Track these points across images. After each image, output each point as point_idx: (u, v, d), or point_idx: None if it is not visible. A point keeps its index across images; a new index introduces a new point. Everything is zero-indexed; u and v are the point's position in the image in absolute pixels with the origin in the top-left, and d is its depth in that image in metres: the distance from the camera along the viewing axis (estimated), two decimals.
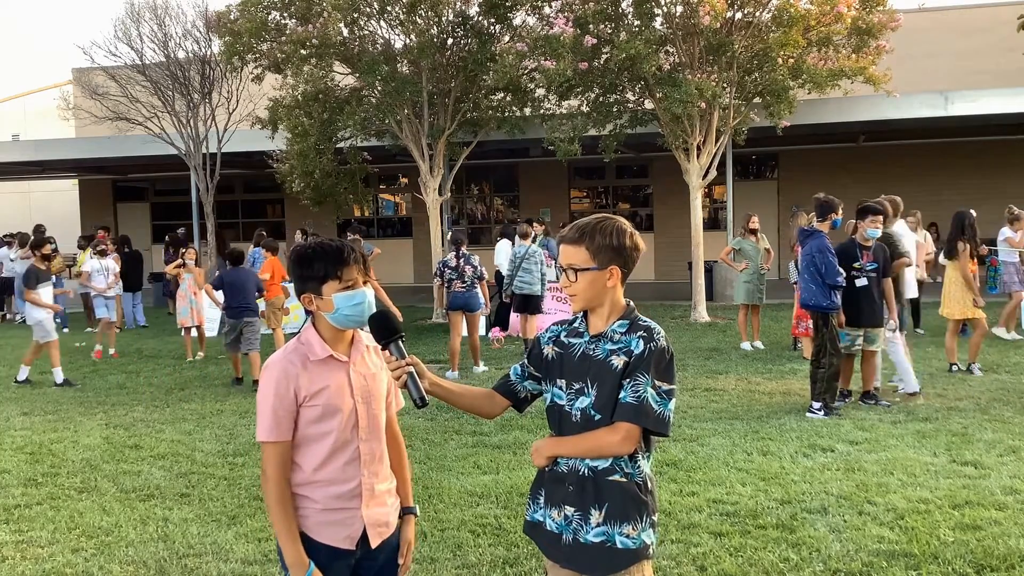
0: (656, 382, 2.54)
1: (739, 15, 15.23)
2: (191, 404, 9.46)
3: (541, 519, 2.72)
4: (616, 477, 2.59)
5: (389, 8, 15.81)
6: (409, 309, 18.20)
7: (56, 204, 31.31)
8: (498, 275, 14.96)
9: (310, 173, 17.33)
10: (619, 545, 2.58)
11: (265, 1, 16.09)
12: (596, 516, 2.59)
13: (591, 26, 14.54)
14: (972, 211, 10.12)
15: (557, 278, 13.31)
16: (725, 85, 15.30)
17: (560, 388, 2.68)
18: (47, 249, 11.27)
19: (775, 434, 7.34)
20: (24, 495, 6.29)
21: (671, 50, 15.56)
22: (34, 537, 5.42)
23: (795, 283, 10.12)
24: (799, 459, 6.60)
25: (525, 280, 11.83)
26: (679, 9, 15.04)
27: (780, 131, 16.22)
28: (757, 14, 15.05)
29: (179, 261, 13.58)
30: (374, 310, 2.72)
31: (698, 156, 15.75)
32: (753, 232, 12.30)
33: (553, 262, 14.40)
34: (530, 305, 11.96)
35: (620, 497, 2.58)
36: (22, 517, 5.82)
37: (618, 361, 2.57)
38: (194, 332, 13.13)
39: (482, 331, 12.54)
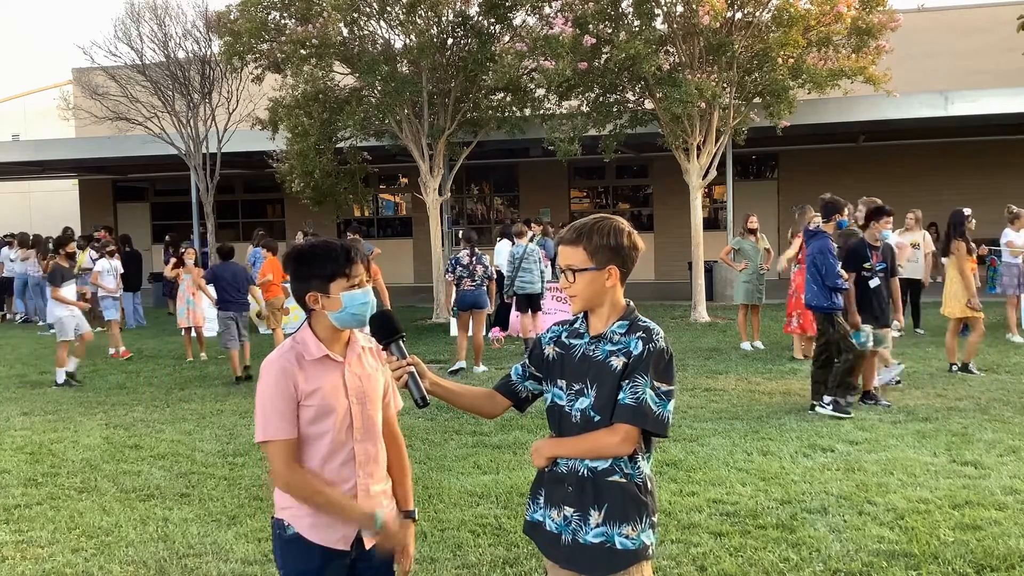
0: (655, 383, 2.54)
1: (739, 15, 15.22)
2: (191, 404, 9.46)
3: (541, 519, 2.72)
4: (615, 478, 2.59)
5: (389, 8, 15.81)
6: (409, 309, 18.21)
7: (56, 204, 31.30)
8: (499, 275, 14.96)
9: (310, 173, 17.34)
10: (618, 546, 2.58)
11: (265, 1, 16.08)
12: (595, 517, 2.59)
13: (591, 26, 14.54)
14: (965, 210, 10.11)
15: (555, 278, 13.43)
16: (725, 85, 15.30)
17: (560, 389, 2.68)
18: (71, 247, 11.36)
19: (775, 434, 7.34)
20: (24, 495, 6.29)
21: (671, 50, 15.56)
22: (34, 537, 5.42)
23: (780, 275, 10.47)
24: (799, 459, 6.60)
25: (526, 280, 12.01)
26: (679, 9, 15.03)
27: (780, 131, 16.22)
28: (757, 14, 15.05)
29: (174, 261, 13.61)
30: (375, 310, 2.73)
31: (698, 156, 15.75)
32: (752, 232, 12.29)
33: (550, 262, 14.43)
34: (533, 303, 12.19)
35: (619, 498, 2.58)
36: (22, 517, 5.82)
37: (617, 362, 2.57)
38: (193, 333, 13.11)
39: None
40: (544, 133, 16.25)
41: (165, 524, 5.57)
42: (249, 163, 22.33)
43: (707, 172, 15.93)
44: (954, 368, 9.88)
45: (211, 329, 14.37)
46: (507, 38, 16.39)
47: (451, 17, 16.24)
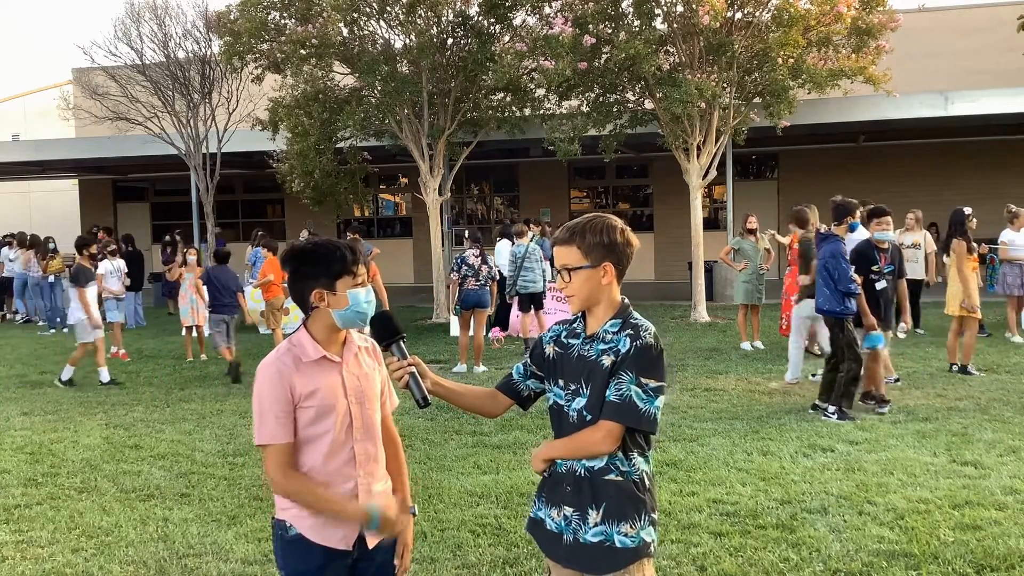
0: (641, 379, 2.54)
1: (739, 15, 15.22)
2: (191, 404, 9.46)
3: (542, 518, 2.74)
4: (612, 476, 2.60)
5: (389, 8, 15.81)
6: (409, 309, 18.21)
7: (56, 204, 31.30)
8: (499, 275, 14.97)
9: (310, 173, 17.34)
10: (618, 544, 2.58)
11: (265, 1, 16.08)
12: (594, 516, 2.60)
13: (591, 26, 14.53)
14: (966, 209, 10.11)
15: (553, 278, 13.45)
16: (725, 85, 15.30)
17: (560, 389, 2.70)
18: (94, 248, 11.39)
19: (775, 434, 7.34)
20: (24, 495, 6.29)
21: (671, 50, 15.56)
22: (34, 537, 5.42)
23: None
24: (799, 459, 6.60)
25: (528, 279, 12.14)
26: (679, 9, 15.03)
27: (780, 131, 16.22)
28: (757, 14, 15.05)
29: (179, 260, 13.60)
30: (378, 311, 2.74)
31: (698, 156, 15.74)
32: (752, 232, 12.29)
33: (548, 262, 14.45)
34: (535, 302, 12.36)
35: (617, 496, 2.59)
36: (22, 517, 5.82)
37: (607, 361, 2.58)
38: (194, 333, 13.10)
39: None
40: (544, 133, 16.24)
41: (165, 524, 5.57)
42: (249, 163, 22.33)
43: (707, 172, 15.93)
44: (954, 368, 9.89)
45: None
46: (507, 38, 16.39)
47: (451, 17, 16.24)
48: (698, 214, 16.26)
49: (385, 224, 27.26)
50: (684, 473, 6.30)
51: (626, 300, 2.70)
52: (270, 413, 2.66)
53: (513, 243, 15.36)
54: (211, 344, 11.65)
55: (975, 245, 10.23)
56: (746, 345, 12.14)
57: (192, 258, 13.31)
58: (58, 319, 16.98)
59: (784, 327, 11.36)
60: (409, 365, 2.67)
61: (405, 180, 25.44)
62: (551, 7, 15.33)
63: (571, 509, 2.63)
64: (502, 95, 16.97)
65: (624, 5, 15.24)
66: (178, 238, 20.39)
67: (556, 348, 2.75)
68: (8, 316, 19.33)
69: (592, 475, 2.60)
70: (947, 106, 17.55)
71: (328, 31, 15.17)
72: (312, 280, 2.72)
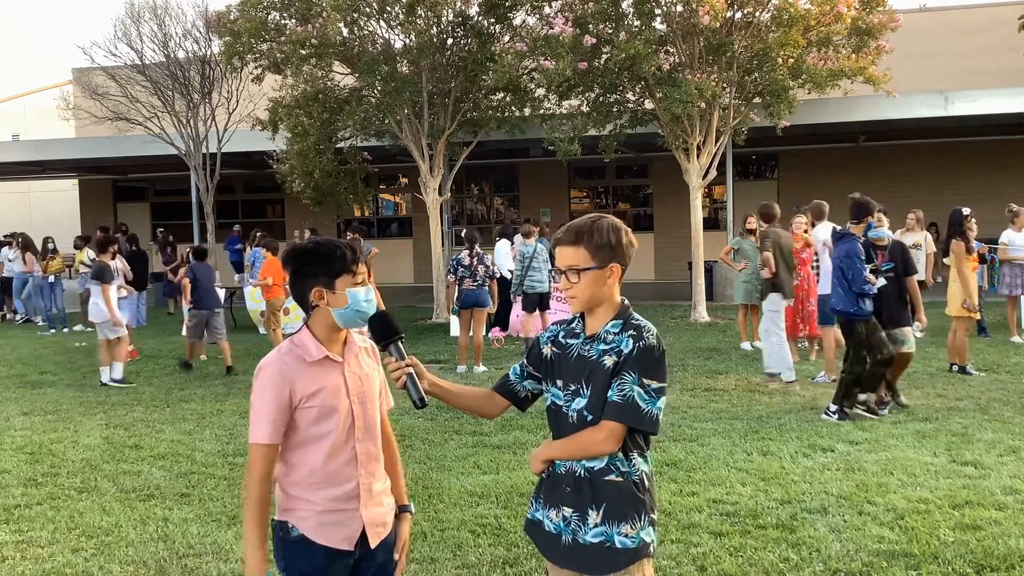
0: (644, 380, 2.54)
1: (739, 15, 15.22)
2: (191, 404, 9.46)
3: (540, 519, 2.73)
4: (612, 477, 2.59)
5: (389, 8, 15.81)
6: (409, 309, 18.22)
7: (56, 204, 31.34)
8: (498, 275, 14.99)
9: (310, 173, 17.34)
10: (618, 544, 2.58)
11: (265, 1, 16.09)
12: (594, 516, 2.59)
13: (591, 26, 14.54)
14: (964, 209, 10.10)
15: (555, 278, 13.48)
16: (725, 85, 15.30)
17: (558, 389, 2.69)
18: (113, 250, 11.44)
19: (775, 434, 7.34)
20: (24, 495, 6.29)
21: (671, 50, 15.56)
22: (34, 537, 5.42)
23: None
24: (799, 459, 6.60)
25: (536, 279, 12.28)
26: (679, 9, 15.03)
27: (780, 131, 16.21)
28: (757, 14, 15.05)
29: (182, 260, 13.59)
30: (376, 311, 2.74)
31: (698, 156, 15.74)
32: (752, 232, 12.28)
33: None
34: (542, 302, 12.51)
35: (617, 496, 2.59)
36: (22, 517, 5.82)
37: (609, 361, 2.58)
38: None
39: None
40: (544, 133, 16.25)
41: (165, 524, 5.57)
42: (249, 163, 22.33)
43: (707, 172, 15.92)
44: (954, 368, 9.89)
45: None
46: (507, 38, 16.39)
47: (451, 17, 16.24)
48: (698, 214, 16.27)
49: (385, 224, 27.26)
50: (684, 473, 6.30)
51: (626, 301, 2.70)
52: (263, 413, 2.66)
53: (513, 243, 15.43)
54: (185, 337, 11.83)
55: (974, 246, 10.23)
56: (746, 345, 12.14)
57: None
58: (63, 319, 16.99)
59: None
60: (407, 365, 2.67)
61: (405, 180, 25.45)
62: (551, 7, 15.33)
63: (570, 510, 2.63)
64: (502, 95, 16.97)
65: (624, 5, 15.24)
66: (170, 237, 20.38)
67: (554, 349, 2.74)
68: (8, 316, 19.33)
69: (592, 476, 2.60)
70: (947, 106, 17.55)
71: (328, 31, 15.17)
72: (312, 279, 2.72)
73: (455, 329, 13.09)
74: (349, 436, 2.74)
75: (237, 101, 19.76)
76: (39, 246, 18.10)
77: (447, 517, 5.51)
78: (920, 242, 12.90)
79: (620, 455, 2.59)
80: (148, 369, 11.98)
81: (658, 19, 15.15)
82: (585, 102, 16.24)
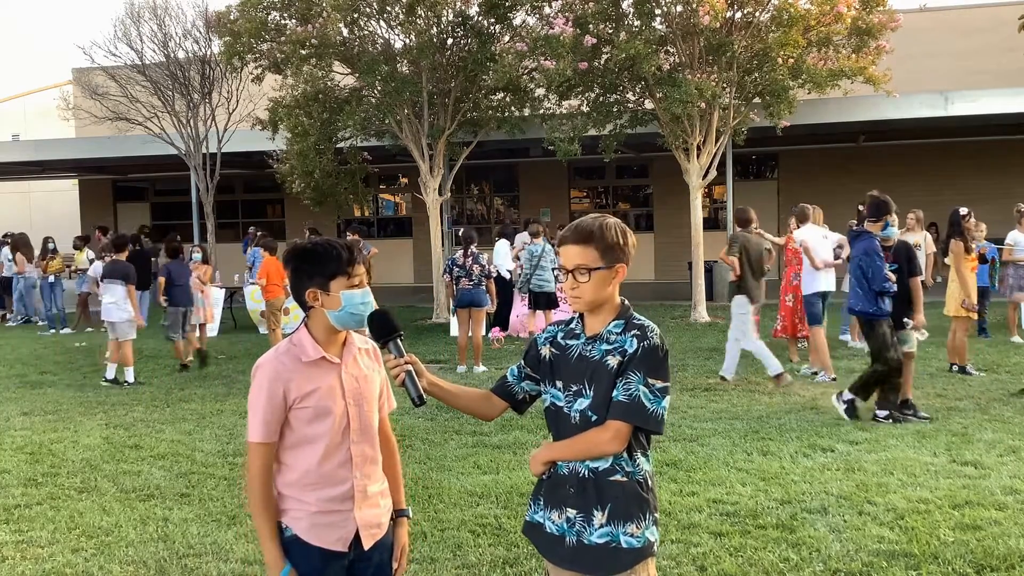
0: (649, 380, 2.54)
1: (739, 15, 15.23)
2: (191, 404, 9.46)
3: (541, 521, 2.72)
4: (617, 477, 2.59)
5: (389, 8, 15.82)
6: (409, 309, 18.22)
7: (56, 204, 31.31)
8: (497, 274, 15.02)
9: (310, 173, 17.34)
10: (624, 545, 2.57)
11: (265, 1, 16.09)
12: (599, 517, 2.59)
13: (591, 26, 14.54)
14: (962, 209, 10.10)
15: (558, 279, 13.54)
16: (725, 85, 15.30)
17: (558, 390, 2.68)
18: (128, 250, 11.49)
19: (775, 434, 7.34)
20: (24, 495, 6.29)
21: (671, 50, 15.56)
22: (34, 537, 5.42)
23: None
24: (799, 459, 6.60)
25: (543, 278, 12.58)
26: (679, 9, 15.04)
27: (780, 131, 16.22)
28: (757, 14, 15.05)
29: (182, 259, 13.53)
30: (376, 309, 2.73)
31: (698, 156, 15.75)
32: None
33: None
34: (550, 301, 12.73)
35: (622, 497, 2.58)
36: (22, 517, 5.82)
37: (613, 361, 2.57)
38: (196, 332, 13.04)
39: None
40: (544, 133, 16.25)
41: (165, 524, 5.57)
42: (249, 163, 22.33)
43: (707, 172, 15.93)
44: (954, 368, 9.89)
45: (212, 329, 14.38)
46: (507, 38, 16.39)
47: (451, 17, 16.25)
48: (698, 214, 16.27)
49: (385, 224, 27.26)
50: (684, 473, 6.30)
51: (626, 301, 2.70)
52: (262, 412, 2.67)
53: (513, 243, 15.46)
54: (164, 335, 11.86)
55: (973, 246, 10.23)
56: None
57: (198, 256, 13.23)
58: (63, 319, 16.98)
59: (778, 329, 11.38)
60: (406, 363, 2.66)
61: (405, 180, 25.45)
62: (551, 7, 15.34)
63: (574, 511, 2.62)
64: (502, 95, 16.97)
65: (624, 5, 15.25)
66: (177, 237, 20.34)
67: (553, 349, 2.73)
68: (8, 316, 19.31)
69: (597, 476, 2.59)
70: (947, 106, 17.55)
71: (328, 31, 15.17)
72: (307, 279, 2.72)
73: (455, 329, 13.11)
74: (344, 438, 2.74)
75: (237, 101, 19.76)
76: (39, 246, 18.09)
77: (447, 517, 5.51)
78: (920, 242, 12.88)
79: (624, 455, 2.59)
80: (148, 369, 11.97)
81: (658, 19, 15.16)
82: (585, 102, 16.25)
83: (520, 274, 13.68)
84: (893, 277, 7.59)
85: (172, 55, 20.15)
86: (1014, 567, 4.53)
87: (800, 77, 15.02)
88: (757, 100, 15.89)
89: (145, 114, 20.05)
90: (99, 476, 6.72)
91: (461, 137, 17.42)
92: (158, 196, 28.24)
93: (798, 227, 10.83)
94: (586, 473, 2.60)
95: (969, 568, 4.53)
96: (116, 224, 26.26)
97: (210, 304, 13.13)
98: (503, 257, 14.57)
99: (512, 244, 15.48)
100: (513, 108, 16.97)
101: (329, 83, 17.18)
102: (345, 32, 16.02)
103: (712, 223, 22.75)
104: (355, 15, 15.88)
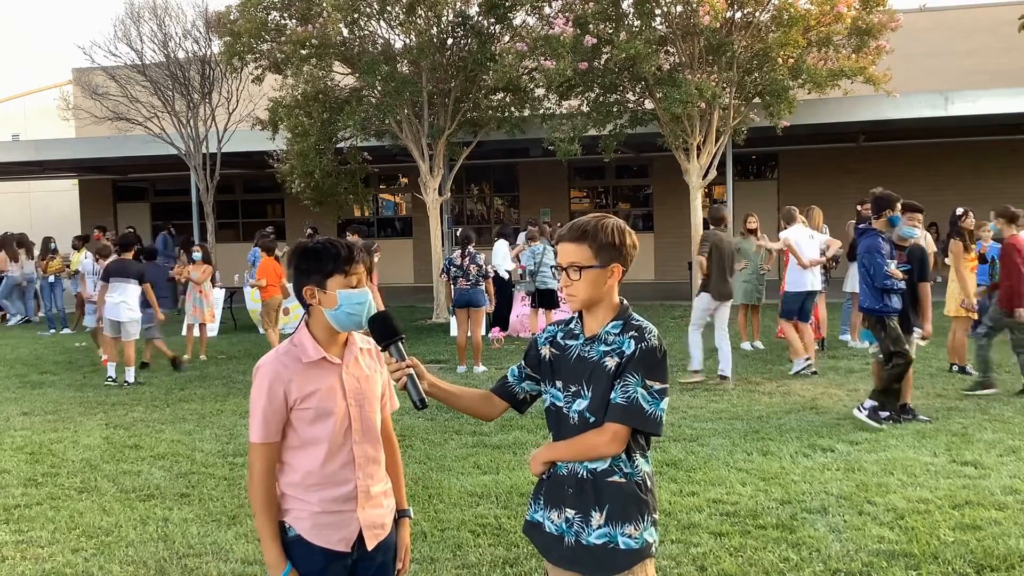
0: (647, 382, 2.54)
1: (739, 15, 15.23)
2: (191, 404, 9.46)
3: (540, 521, 2.72)
4: (615, 478, 2.59)
5: (389, 8, 15.81)
6: (409, 309, 18.21)
7: (56, 204, 31.30)
8: (495, 276, 15.03)
9: (310, 173, 17.33)
10: (622, 545, 2.58)
11: (265, 1, 16.08)
12: (597, 518, 2.59)
13: (591, 26, 14.54)
14: (958, 209, 10.12)
15: (556, 277, 13.61)
16: (725, 85, 15.30)
17: (558, 390, 2.68)
18: (133, 251, 11.51)
19: (775, 434, 7.34)
20: (24, 495, 6.29)
21: (671, 50, 15.56)
22: (34, 537, 5.42)
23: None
24: (799, 459, 6.60)
25: (547, 275, 12.71)
26: (679, 9, 15.04)
27: (780, 131, 16.21)
28: (757, 14, 15.05)
29: (183, 260, 13.55)
30: (377, 311, 2.72)
31: (698, 156, 15.75)
32: (752, 232, 12.29)
33: None
34: (552, 299, 12.80)
35: (620, 498, 2.58)
36: (22, 517, 5.82)
37: (611, 363, 2.57)
38: (196, 331, 13.05)
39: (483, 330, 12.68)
40: (544, 133, 16.25)
41: (165, 524, 5.57)
42: (249, 163, 22.33)
43: (707, 172, 15.93)
44: (954, 368, 9.89)
45: (211, 329, 14.37)
46: (507, 38, 16.39)
47: (451, 17, 16.25)
48: (698, 214, 16.26)
49: (385, 224, 27.26)
50: (684, 473, 6.30)
51: (625, 301, 2.70)
52: (260, 412, 2.67)
53: (512, 243, 15.48)
54: (144, 336, 11.76)
55: (973, 245, 10.22)
56: (746, 345, 12.14)
57: (198, 255, 13.17)
58: (63, 319, 16.97)
59: (780, 331, 11.39)
60: (407, 366, 2.66)
61: (405, 180, 25.44)
62: (551, 7, 15.34)
63: (573, 511, 2.62)
64: (502, 95, 16.97)
65: (624, 5, 15.25)
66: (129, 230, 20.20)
67: (552, 349, 2.73)
68: (8, 316, 19.31)
69: (595, 477, 2.59)
70: (947, 106, 17.55)
71: (328, 31, 15.17)
72: (305, 277, 2.73)
73: (455, 329, 13.12)
74: (346, 438, 2.74)
75: (237, 101, 19.75)
76: (39, 246, 18.09)
77: (447, 517, 5.51)
78: (920, 242, 12.89)
79: (623, 456, 2.59)
80: (148, 369, 11.97)
81: (658, 19, 15.16)
82: (585, 102, 16.24)
83: (521, 273, 13.77)
84: (899, 274, 7.52)
85: (172, 55, 20.14)
86: (1014, 567, 4.53)
87: (800, 77, 15.02)
88: (757, 100, 15.89)
89: (145, 114, 20.04)
90: (99, 476, 6.72)
91: (461, 137, 17.42)
92: (158, 196, 28.24)
93: (785, 227, 10.97)
94: (584, 474, 2.61)
95: (969, 568, 4.53)
96: (116, 224, 26.25)
97: (210, 304, 13.10)
98: (502, 257, 14.57)
99: (512, 244, 15.49)
100: (513, 108, 16.97)
101: (329, 83, 17.17)
102: (345, 32, 16.01)
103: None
104: (355, 15, 15.87)
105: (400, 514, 2.96)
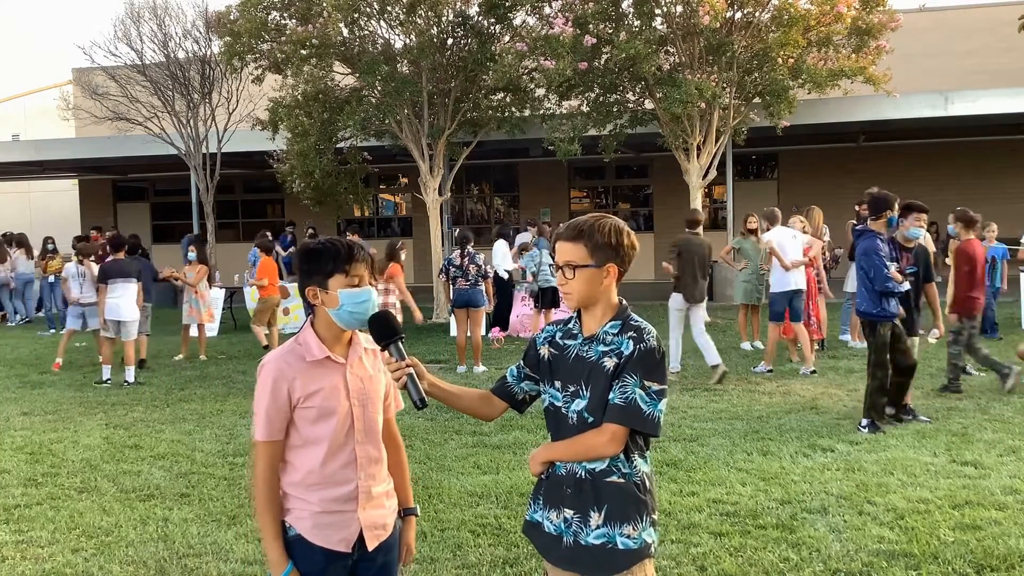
0: (645, 382, 2.53)
1: (739, 15, 15.24)
2: (191, 404, 9.46)
3: (540, 521, 2.72)
4: (614, 478, 2.59)
5: (389, 8, 15.82)
6: (408, 308, 18.18)
7: (56, 204, 31.30)
8: (495, 276, 15.04)
9: (310, 173, 17.34)
10: (620, 546, 2.58)
11: (265, 1, 16.10)
12: (596, 518, 2.59)
13: (591, 26, 14.55)
14: (957, 209, 10.10)
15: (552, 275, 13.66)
16: (725, 85, 15.31)
17: (556, 390, 2.68)
18: (124, 251, 11.50)
19: (775, 434, 7.34)
20: (24, 495, 6.29)
21: (671, 50, 15.57)
22: (34, 537, 5.42)
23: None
24: (799, 459, 6.60)
25: (548, 273, 12.77)
26: (679, 9, 15.04)
27: (780, 131, 16.22)
28: (757, 14, 15.06)
29: (171, 271, 13.47)
30: (377, 311, 2.72)
31: (698, 156, 15.75)
32: (753, 232, 12.29)
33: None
34: (555, 298, 12.87)
35: (619, 498, 2.58)
36: (22, 517, 5.82)
37: (610, 363, 2.57)
38: (194, 331, 13.04)
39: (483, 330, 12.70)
40: (544, 133, 16.26)
41: (165, 524, 5.57)
42: (249, 163, 22.34)
43: (707, 172, 15.93)
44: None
45: (211, 329, 14.36)
46: (507, 38, 16.40)
47: (451, 17, 16.26)
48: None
49: (385, 224, 27.25)
50: (684, 473, 6.30)
51: (624, 301, 2.70)
52: (263, 410, 2.67)
53: (512, 244, 15.50)
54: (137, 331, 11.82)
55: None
56: (746, 345, 12.14)
57: (192, 255, 13.11)
58: (63, 319, 16.95)
59: (781, 330, 11.37)
60: (407, 366, 2.66)
61: (405, 180, 25.45)
62: (551, 7, 15.35)
63: (572, 511, 2.62)
64: (502, 95, 16.98)
65: (624, 5, 15.26)
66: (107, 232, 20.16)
67: (551, 349, 2.73)
68: (8, 317, 19.31)
69: (594, 477, 2.59)
70: (947, 106, 17.56)
71: (328, 31, 15.18)
72: (307, 278, 2.73)
73: (455, 329, 13.14)
74: (348, 438, 2.74)
75: (237, 101, 19.76)
76: (39, 246, 18.09)
77: (447, 517, 5.51)
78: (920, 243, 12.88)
79: (621, 456, 2.59)
80: (148, 369, 11.96)
81: (658, 19, 15.17)
82: (585, 102, 16.25)
83: (523, 273, 13.80)
84: (899, 277, 7.35)
85: (172, 55, 20.15)
86: (1014, 567, 4.53)
87: (800, 77, 15.03)
88: (757, 100, 15.90)
89: (145, 114, 20.04)
90: (99, 476, 6.72)
91: (461, 137, 17.42)
92: (158, 196, 28.24)
93: (767, 229, 11.02)
94: (583, 474, 2.60)
95: (969, 568, 4.53)
96: (116, 224, 26.25)
97: (206, 303, 13.00)
98: (502, 257, 14.57)
99: (512, 244, 15.49)
100: (513, 108, 16.98)
101: (329, 83, 17.18)
102: (345, 32, 16.02)
103: (712, 223, 22.76)
104: (355, 15, 15.88)
105: (406, 512, 2.96)
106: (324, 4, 15.34)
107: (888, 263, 7.33)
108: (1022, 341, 11.78)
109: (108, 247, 11.73)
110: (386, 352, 2.69)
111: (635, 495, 2.59)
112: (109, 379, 10.73)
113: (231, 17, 16.63)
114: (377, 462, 2.81)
